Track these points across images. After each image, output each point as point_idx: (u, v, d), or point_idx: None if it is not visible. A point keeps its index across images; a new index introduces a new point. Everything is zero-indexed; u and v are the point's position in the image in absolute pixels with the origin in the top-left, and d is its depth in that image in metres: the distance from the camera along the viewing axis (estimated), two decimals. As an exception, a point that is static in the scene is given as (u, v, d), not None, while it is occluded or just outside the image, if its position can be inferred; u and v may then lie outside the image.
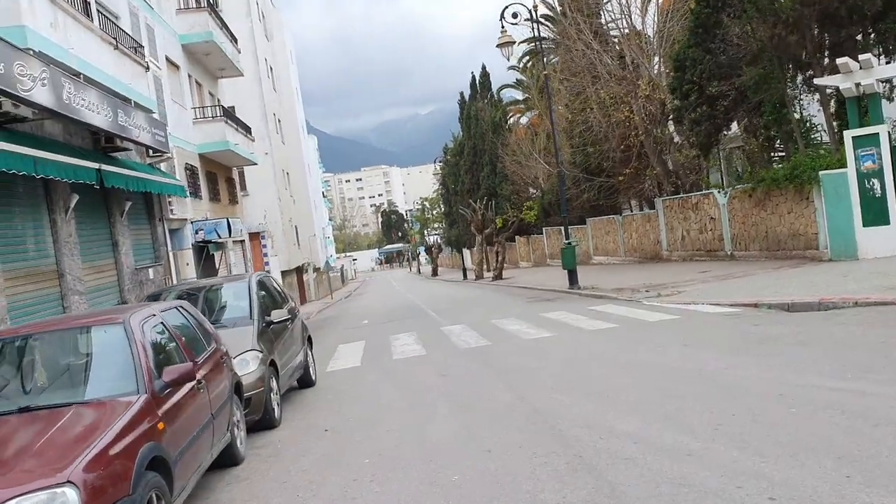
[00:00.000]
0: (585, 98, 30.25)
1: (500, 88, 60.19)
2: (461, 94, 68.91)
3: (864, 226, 16.63)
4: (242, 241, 29.79)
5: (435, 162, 53.96)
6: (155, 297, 9.19)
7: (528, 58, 52.22)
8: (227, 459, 6.41)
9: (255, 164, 30.21)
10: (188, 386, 5.29)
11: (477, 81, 65.96)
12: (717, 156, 26.75)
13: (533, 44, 50.85)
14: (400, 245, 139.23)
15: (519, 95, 59.44)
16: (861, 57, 16.06)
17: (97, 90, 12.00)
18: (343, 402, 8.95)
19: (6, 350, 5.07)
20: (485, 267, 43.77)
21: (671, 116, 23.59)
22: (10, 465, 3.69)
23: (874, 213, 16.46)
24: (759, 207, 20.67)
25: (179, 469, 4.74)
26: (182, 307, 6.50)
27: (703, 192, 24.36)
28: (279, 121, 44.49)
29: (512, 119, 58.92)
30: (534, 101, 50.34)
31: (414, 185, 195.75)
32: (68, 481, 3.55)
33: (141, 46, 15.92)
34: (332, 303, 42.28)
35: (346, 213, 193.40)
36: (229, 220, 21.99)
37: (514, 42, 22.00)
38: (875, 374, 6.57)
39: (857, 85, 16.28)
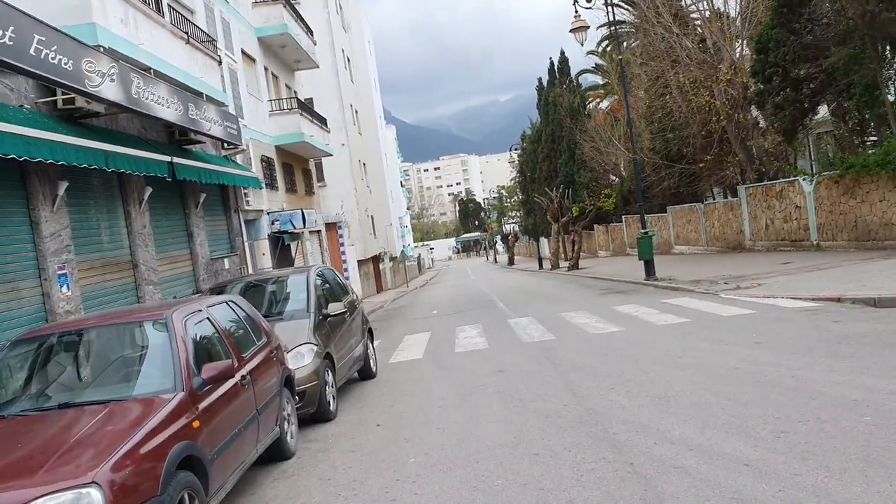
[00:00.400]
0: (665, 83, 29.36)
1: (579, 73, 59.13)
2: (539, 79, 68.16)
3: (964, 215, 15.52)
4: (319, 232, 30.25)
5: (511, 149, 53.25)
6: (219, 289, 9.32)
7: (606, 42, 51.19)
8: (277, 454, 6.43)
9: (331, 155, 30.59)
10: (231, 382, 5.29)
11: (555, 67, 65.08)
12: (803, 142, 25.52)
13: (614, 28, 49.99)
14: (477, 234, 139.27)
15: (598, 80, 58.32)
16: (962, 33, 14.94)
17: (167, 84, 12.28)
18: (399, 396, 8.89)
19: (51, 346, 5.18)
20: (561, 256, 43.19)
21: (754, 101, 22.55)
22: (40, 464, 3.73)
23: (975, 201, 15.33)
24: (847, 195, 19.58)
25: (217, 467, 4.74)
26: (233, 301, 6.53)
27: (788, 179, 23.25)
28: (356, 112, 44.96)
29: (591, 104, 57.86)
30: (613, 86, 49.28)
31: (492, 173, 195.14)
32: (93, 482, 3.55)
33: (213, 40, 16.23)
34: (407, 292, 42.59)
35: (424, 202, 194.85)
36: (304, 210, 22.30)
37: (588, 27, 21.42)
38: (963, 380, 6.05)
39: (958, 64, 15.18)
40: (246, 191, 19.48)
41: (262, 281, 9.47)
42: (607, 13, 21.84)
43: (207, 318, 5.68)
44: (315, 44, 29.96)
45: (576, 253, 37.32)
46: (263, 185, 21.46)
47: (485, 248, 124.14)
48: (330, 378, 8.01)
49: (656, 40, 29.00)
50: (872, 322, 9.41)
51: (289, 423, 6.62)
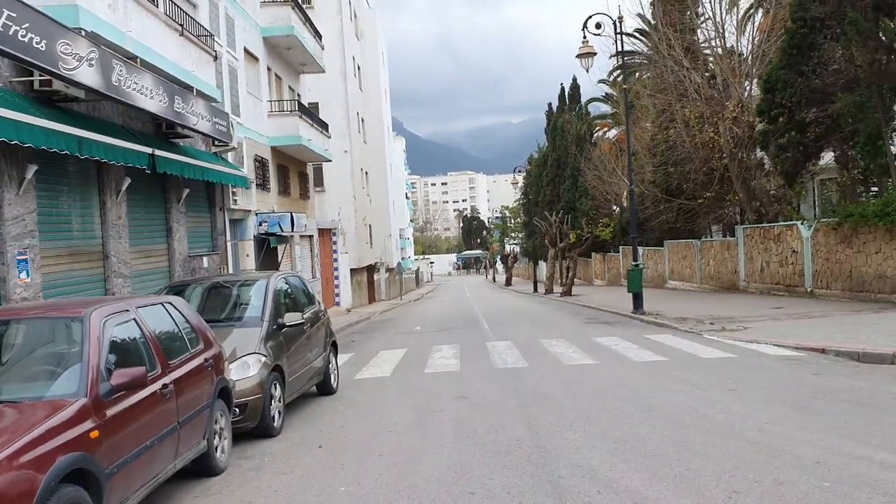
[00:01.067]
0: (671, 116, 29.12)
1: (589, 101, 59.03)
2: (549, 104, 68.23)
3: (960, 274, 15.17)
4: (311, 237, 29.94)
5: (514, 171, 53.07)
6: (177, 289, 8.98)
7: (618, 72, 51.04)
8: (205, 469, 6.06)
9: (330, 160, 30.32)
10: (147, 390, 4.93)
11: (566, 93, 65.13)
12: (806, 186, 25.19)
13: (622, 58, 49.88)
14: (478, 251, 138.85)
15: (608, 109, 58.19)
16: (970, 89, 14.66)
17: (153, 75, 11.99)
18: (352, 416, 8.52)
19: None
20: (556, 281, 42.84)
21: (758, 140, 22.26)
22: None
23: (973, 260, 14.98)
24: (844, 244, 19.25)
25: (118, 482, 4.38)
26: (170, 303, 6.18)
27: (787, 223, 22.93)
28: (362, 120, 44.78)
29: (598, 133, 57.72)
30: (621, 117, 49.11)
31: (498, 193, 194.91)
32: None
33: (210, 35, 15.98)
34: (400, 304, 42.21)
35: (429, 215, 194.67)
36: (293, 214, 21.98)
37: (595, 53, 21.18)
38: (935, 450, 5.68)
39: (964, 119, 14.88)
40: (234, 189, 19.16)
41: (224, 284, 9.13)
42: (615, 42, 21.45)
43: (134, 320, 5.32)
44: (323, 48, 29.78)
45: (570, 279, 36.97)
46: (254, 184, 21.17)
47: (485, 267, 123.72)
48: (277, 392, 7.64)
49: (666, 73, 28.81)
50: (852, 378, 9.04)
51: (220, 437, 6.25)
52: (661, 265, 36.59)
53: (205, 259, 17.14)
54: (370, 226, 45.54)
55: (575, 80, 62.85)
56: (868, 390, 8.18)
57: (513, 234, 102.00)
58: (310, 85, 37.29)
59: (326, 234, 34.83)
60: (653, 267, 38.56)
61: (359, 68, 44.56)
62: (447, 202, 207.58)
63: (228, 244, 18.88)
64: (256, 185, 22.00)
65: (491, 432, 7.13)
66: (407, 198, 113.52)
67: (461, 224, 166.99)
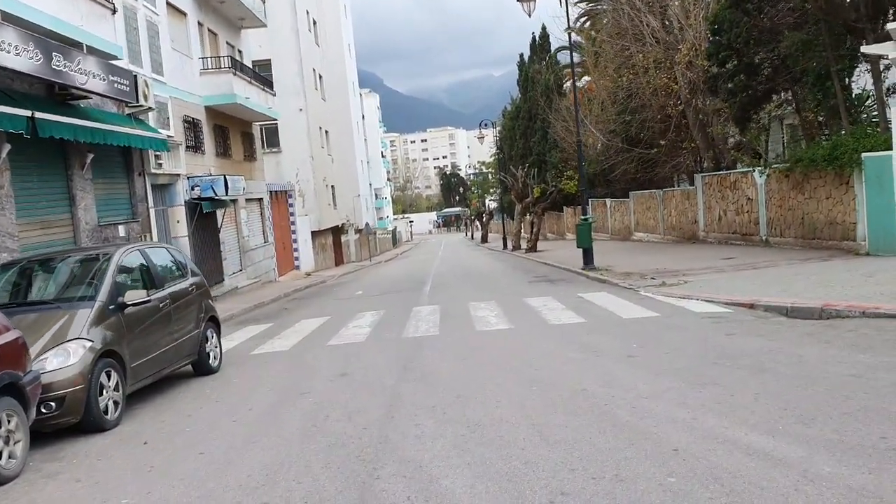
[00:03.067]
0: (628, 62, 28.08)
1: (557, 50, 57.63)
2: (521, 55, 66.85)
3: (906, 217, 14.48)
4: (260, 200, 28.95)
5: (480, 125, 51.97)
6: (4, 266, 8.12)
7: (585, 18, 49.73)
8: (-11, 476, 5.26)
9: (275, 119, 29.15)
10: None
11: (537, 43, 63.70)
12: (772, 129, 24.30)
13: (588, 3, 48.49)
14: (458, 209, 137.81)
15: (578, 58, 56.79)
16: (917, 21, 13.77)
17: (18, 29, 10.92)
18: (213, 401, 7.74)
19: None
20: (524, 237, 42.07)
21: (708, 85, 21.35)
22: None
23: (920, 204, 14.28)
24: (796, 190, 18.52)
25: None
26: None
27: (742, 170, 22.16)
28: (320, 77, 43.38)
29: (568, 84, 56.44)
30: (589, 65, 47.86)
31: (479, 148, 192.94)
32: None
33: (107, -14, 14.75)
34: (367, 266, 41.36)
35: (409, 173, 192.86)
36: (227, 177, 20.97)
37: (536, -5, 20.07)
38: (813, 427, 4.96)
39: (911, 54, 14.00)
40: (158, 153, 18.13)
41: (51, 259, 8.23)
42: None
43: None
44: (264, 1, 28.37)
45: (534, 235, 36.15)
46: (182, 146, 20.11)
47: (465, 224, 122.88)
48: (112, 380, 6.82)
49: (622, 17, 27.73)
50: (766, 337, 8.33)
51: (8, 441, 5.44)
52: (627, 217, 35.85)
53: (121, 228, 16.21)
54: (333, 186, 44.43)
55: (544, 28, 61.44)
56: (775, 352, 7.46)
57: (491, 190, 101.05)
58: (259, 41, 35.89)
59: (282, 196, 33.80)
60: (619, 219, 37.84)
61: (314, 22, 43.00)
62: (427, 159, 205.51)
63: (151, 211, 17.92)
64: (187, 147, 20.95)
65: (343, 419, 6.36)
66: (383, 156, 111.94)
67: (441, 181, 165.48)
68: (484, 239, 68.07)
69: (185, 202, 20.10)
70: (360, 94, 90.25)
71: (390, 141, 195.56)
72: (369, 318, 13.37)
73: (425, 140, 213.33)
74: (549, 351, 8.70)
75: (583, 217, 20.52)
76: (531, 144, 59.09)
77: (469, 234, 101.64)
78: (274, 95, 28.67)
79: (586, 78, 52.61)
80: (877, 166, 14.96)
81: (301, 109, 37.67)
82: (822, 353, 7.29)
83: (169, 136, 18.97)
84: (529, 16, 20.37)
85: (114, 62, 14.53)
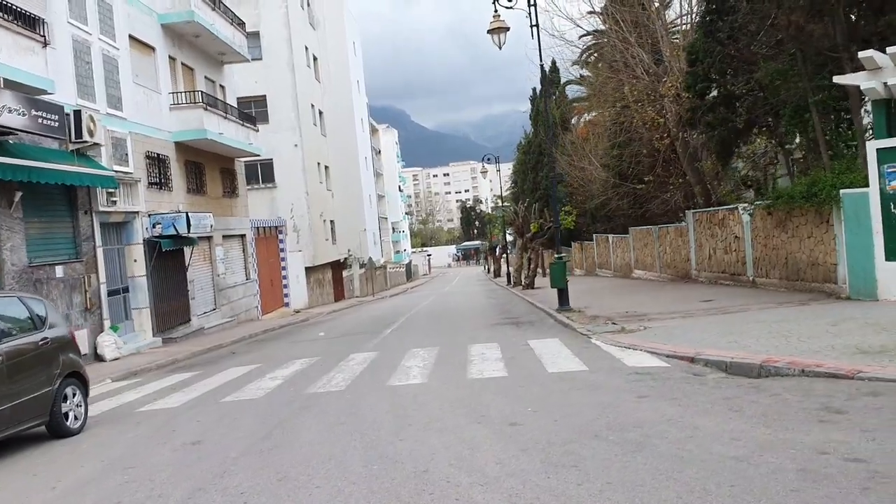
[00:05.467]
0: (621, 96, 27.29)
1: (565, 84, 57.05)
2: (533, 89, 66.59)
3: (886, 259, 13.36)
4: (242, 237, 28.38)
5: (483, 160, 51.39)
6: None
7: (591, 52, 49.08)
8: None
9: (257, 155, 28.65)
10: None
11: (547, 77, 63.16)
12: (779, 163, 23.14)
13: (595, 37, 47.85)
14: (478, 242, 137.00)
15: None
16: (889, 50, 12.77)
17: None
18: (28, 474, 6.90)
19: None
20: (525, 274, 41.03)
21: (686, 119, 20.40)
22: None
23: (900, 244, 13.14)
24: (779, 229, 17.43)
25: None
26: None
27: (730, 206, 21.08)
28: (320, 112, 43.09)
29: (576, 118, 55.71)
30: (595, 99, 47.13)
31: (504, 181, 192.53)
32: None
33: (39, 19, 14.26)
34: (364, 302, 40.52)
35: (431, 207, 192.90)
36: (189, 214, 20.33)
37: (508, 28, 19.34)
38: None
39: (885, 85, 12.99)
40: (112, 190, 17.57)
41: None
42: (528, 14, 19.36)
43: None
44: (246, 36, 28.06)
45: (531, 272, 35.12)
46: (141, 184, 19.55)
47: (485, 258, 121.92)
48: None
49: (615, 50, 27.02)
50: (676, 402, 7.31)
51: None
52: (627, 253, 34.71)
53: (58, 268, 15.57)
54: (332, 221, 43.86)
55: (554, 63, 60.92)
56: (672, 423, 6.45)
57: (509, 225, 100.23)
58: (255, 77, 35.75)
59: (271, 231, 33.25)
60: (621, 255, 36.68)
61: (315, 58, 42.83)
62: (449, 193, 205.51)
63: (99, 250, 17.29)
64: (151, 183, 20.42)
65: (146, 501, 5.47)
66: (400, 190, 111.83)
67: (462, 214, 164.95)
68: (496, 273, 67.20)
69: (145, 240, 19.50)
70: (378, 130, 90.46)
71: (413, 175, 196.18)
72: (294, 368, 12.48)
73: (447, 174, 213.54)
74: (435, 414, 7.75)
75: (556, 256, 19.53)
76: (539, 179, 58.56)
77: (486, 267, 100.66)
78: (256, 131, 28.23)
79: (594, 112, 51.99)
80: (855, 204, 13.87)
81: (296, 145, 37.28)
82: (722, 425, 6.26)
83: (125, 173, 18.43)
84: (500, 48, 19.59)
85: (42, 97, 13.99)
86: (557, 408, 7.54)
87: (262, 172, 36.55)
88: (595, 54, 49.00)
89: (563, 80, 57.75)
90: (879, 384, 7.24)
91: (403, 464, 5.92)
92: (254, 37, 35.91)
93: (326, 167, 43.38)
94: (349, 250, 47.89)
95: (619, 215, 33.92)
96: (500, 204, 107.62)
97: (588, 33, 36.87)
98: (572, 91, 58.78)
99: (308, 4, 42.28)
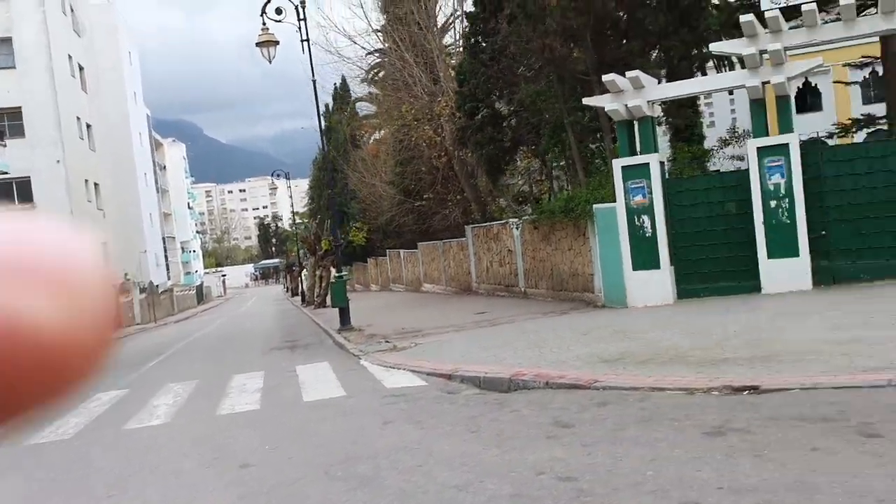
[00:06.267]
0: (401, 114, 27.60)
1: (355, 101, 57.17)
2: (326, 105, 65.95)
3: (633, 269, 14.36)
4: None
5: (272, 175, 50.30)
6: None
7: (376, 70, 49.56)
8: None
9: (5, 172, 25.77)
10: None
11: (338, 93, 63.04)
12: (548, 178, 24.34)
13: (380, 55, 48.39)
14: (276, 260, 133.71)
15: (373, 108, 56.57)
16: (629, 74, 13.77)
17: None
18: None
19: None
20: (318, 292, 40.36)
21: (457, 138, 21.00)
22: None
23: (644, 254, 14.20)
24: (545, 242, 18.30)
25: None
26: None
27: (502, 221, 21.93)
28: (88, 126, 39.82)
29: (367, 135, 55.99)
30: (384, 116, 47.58)
31: (299, 197, 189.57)
32: None
33: None
34: (145, 330, 37.77)
35: (227, 224, 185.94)
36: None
37: (277, 42, 18.84)
38: None
39: (626, 106, 13.99)
40: None
41: None
42: (298, 29, 18.98)
43: None
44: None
45: (323, 290, 34.54)
46: None
47: (284, 276, 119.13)
48: None
49: (395, 69, 27.30)
50: (420, 425, 7.20)
51: None
52: (417, 268, 35.22)
53: None
54: (104, 244, 40.54)
55: (344, 80, 60.82)
56: (408, 451, 6.28)
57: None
58: (7, 86, 32.33)
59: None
60: (411, 269, 37.17)
61: (81, 68, 39.56)
62: (247, 209, 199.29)
63: None
64: None
65: None
66: (190, 207, 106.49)
67: (259, 232, 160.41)
68: (294, 292, 65.73)
69: None
70: (162, 144, 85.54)
71: (206, 191, 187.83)
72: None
73: (244, 190, 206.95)
74: (166, 459, 7.08)
75: (336, 275, 19.22)
76: (333, 195, 58.01)
77: (286, 286, 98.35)
78: (4, 146, 25.41)
79: (383, 130, 52.51)
80: (606, 218, 14.80)
81: (59, 161, 34.10)
82: (457, 448, 6.19)
83: None
84: (270, 62, 19.02)
85: None
86: (300, 442, 7.15)
87: (19, 192, 33.09)
88: (382, 72, 49.69)
89: (353, 97, 57.89)
90: (610, 393, 7.56)
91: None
92: (5, 43, 32.43)
93: (97, 184, 40.13)
94: (126, 274, 44.54)
95: (408, 231, 34.33)
96: (296, 220, 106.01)
97: (369, 52, 37.12)
98: (365, 108, 59.06)
99: (72, 10, 38.99)
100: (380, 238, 41.85)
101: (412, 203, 27.82)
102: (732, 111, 37.55)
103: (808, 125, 21.87)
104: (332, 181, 20.69)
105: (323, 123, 64.59)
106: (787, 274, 12.84)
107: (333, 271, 45.18)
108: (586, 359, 9.45)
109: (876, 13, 12.53)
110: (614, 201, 14.62)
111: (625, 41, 15.71)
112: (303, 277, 49.90)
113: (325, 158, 64.05)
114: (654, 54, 15.86)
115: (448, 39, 28.74)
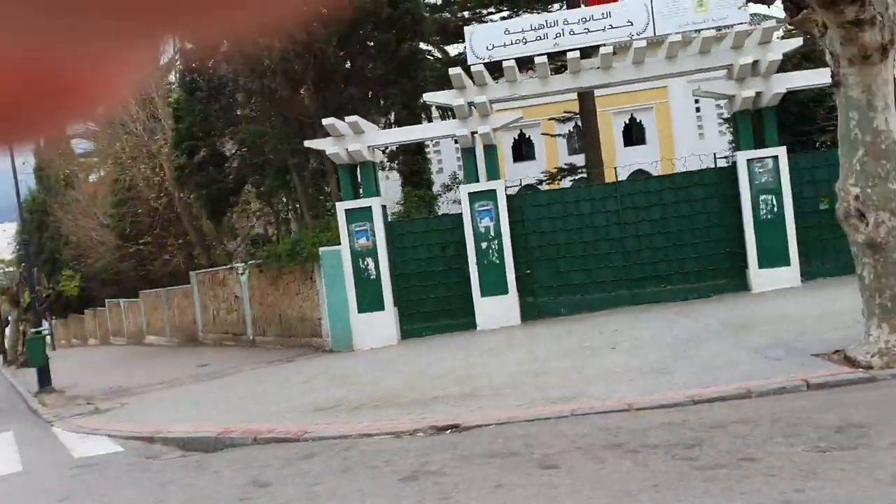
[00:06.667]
0: (117, 152, 25.58)
1: (70, 137, 52.35)
2: (38, 142, 59.47)
3: (359, 311, 14.28)
4: None
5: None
6: None
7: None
8: None
9: None
10: None
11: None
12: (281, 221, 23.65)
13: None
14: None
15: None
16: (348, 119, 13.83)
17: None
18: None
19: None
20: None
21: (176, 178, 19.87)
22: None
23: (369, 296, 14.19)
24: (273, 286, 17.73)
25: None
26: None
27: (228, 266, 21.00)
28: None
29: (84, 174, 51.37)
30: (103, 155, 43.95)
31: (8, 244, 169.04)
32: None
33: None
34: None
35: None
36: None
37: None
38: None
39: (347, 151, 14.04)
40: None
41: None
42: None
43: None
44: None
45: (25, 347, 30.63)
46: None
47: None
48: None
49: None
50: (102, 499, 6.34)
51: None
52: (140, 319, 32.57)
53: None
54: None
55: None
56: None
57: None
58: None
59: None
60: (133, 321, 34.35)
61: None
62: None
63: None
64: None
65: None
66: None
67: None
68: (-6, 352, 57.75)
69: None
70: None
71: None
72: None
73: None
74: None
75: (33, 330, 17.06)
76: (45, 240, 52.49)
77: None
78: None
79: (101, 168, 48.51)
80: (331, 261, 14.64)
81: None
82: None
83: None
84: None
85: None
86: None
87: None
88: (102, 107, 45.94)
89: (69, 133, 52.96)
90: (318, 444, 7.26)
91: None
92: None
93: None
94: None
95: (127, 278, 31.72)
96: (6, 269, 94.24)
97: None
98: (82, 146, 54.15)
99: None
100: (97, 287, 38.31)
101: (130, 248, 25.72)
102: (458, 158, 39.82)
103: (523, 172, 23.56)
104: (23, 223, 18.37)
105: (33, 161, 58.25)
106: (498, 310, 13.55)
107: (60, 322, 40.45)
108: (302, 409, 9.10)
109: (566, 72, 13.84)
110: (339, 244, 14.54)
111: (347, 87, 15.84)
112: (7, 333, 44.19)
113: (34, 201, 57.86)
114: (382, 102, 16.20)
115: (173, 77, 27.36)
